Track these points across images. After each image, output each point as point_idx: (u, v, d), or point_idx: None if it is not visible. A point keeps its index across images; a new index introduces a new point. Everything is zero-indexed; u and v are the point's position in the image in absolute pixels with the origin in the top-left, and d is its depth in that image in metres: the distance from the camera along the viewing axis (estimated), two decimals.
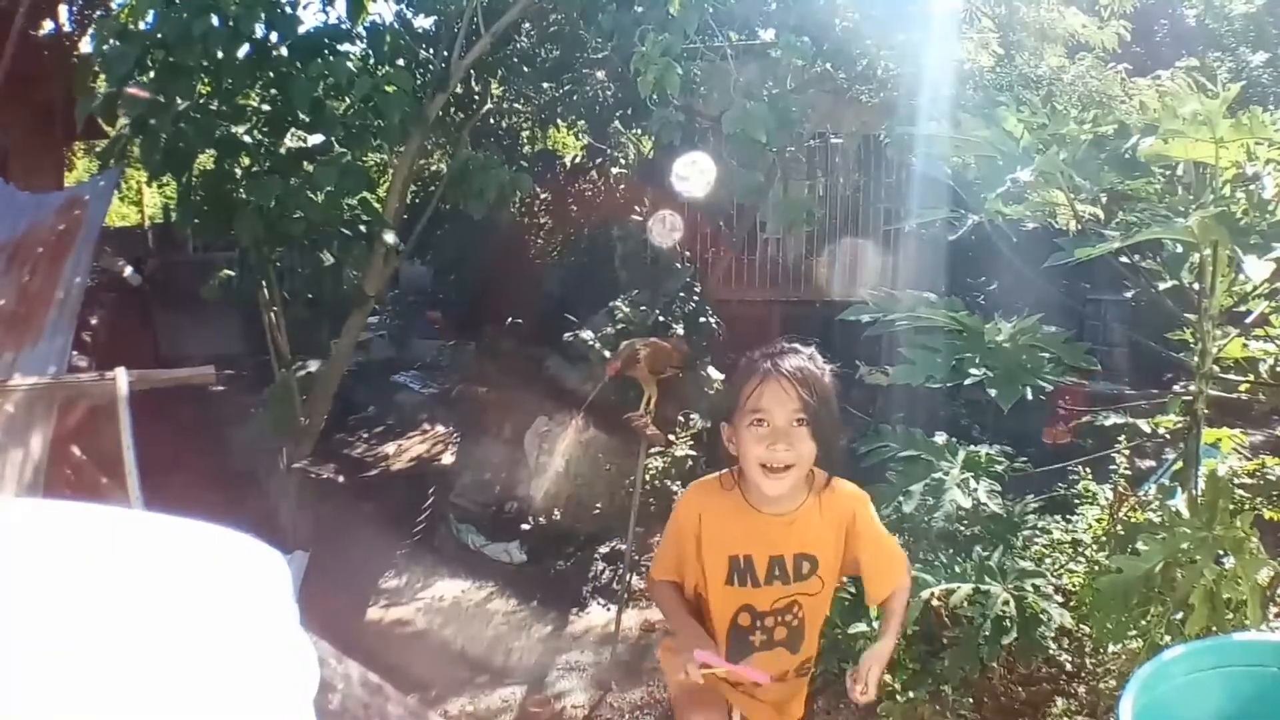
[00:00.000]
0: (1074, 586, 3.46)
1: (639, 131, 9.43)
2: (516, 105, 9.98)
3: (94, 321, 7.02)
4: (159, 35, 4.80)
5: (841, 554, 2.16)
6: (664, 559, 2.23)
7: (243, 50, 4.96)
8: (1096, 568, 3.33)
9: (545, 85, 9.39)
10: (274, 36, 5.04)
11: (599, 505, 5.94)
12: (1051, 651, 3.18)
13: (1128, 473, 4.01)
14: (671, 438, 5.82)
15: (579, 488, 6.02)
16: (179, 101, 4.84)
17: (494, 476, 6.36)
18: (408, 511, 6.51)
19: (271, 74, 5.12)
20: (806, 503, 2.12)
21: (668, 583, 2.21)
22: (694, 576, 2.17)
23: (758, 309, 9.03)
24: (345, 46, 5.39)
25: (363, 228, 5.45)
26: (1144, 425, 3.95)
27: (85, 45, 9.68)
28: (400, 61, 5.75)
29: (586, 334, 6.77)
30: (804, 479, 2.09)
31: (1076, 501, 4.06)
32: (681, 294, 7.50)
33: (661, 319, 7.03)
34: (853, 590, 3.38)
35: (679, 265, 7.92)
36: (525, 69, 8.94)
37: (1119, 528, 3.42)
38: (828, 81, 6.94)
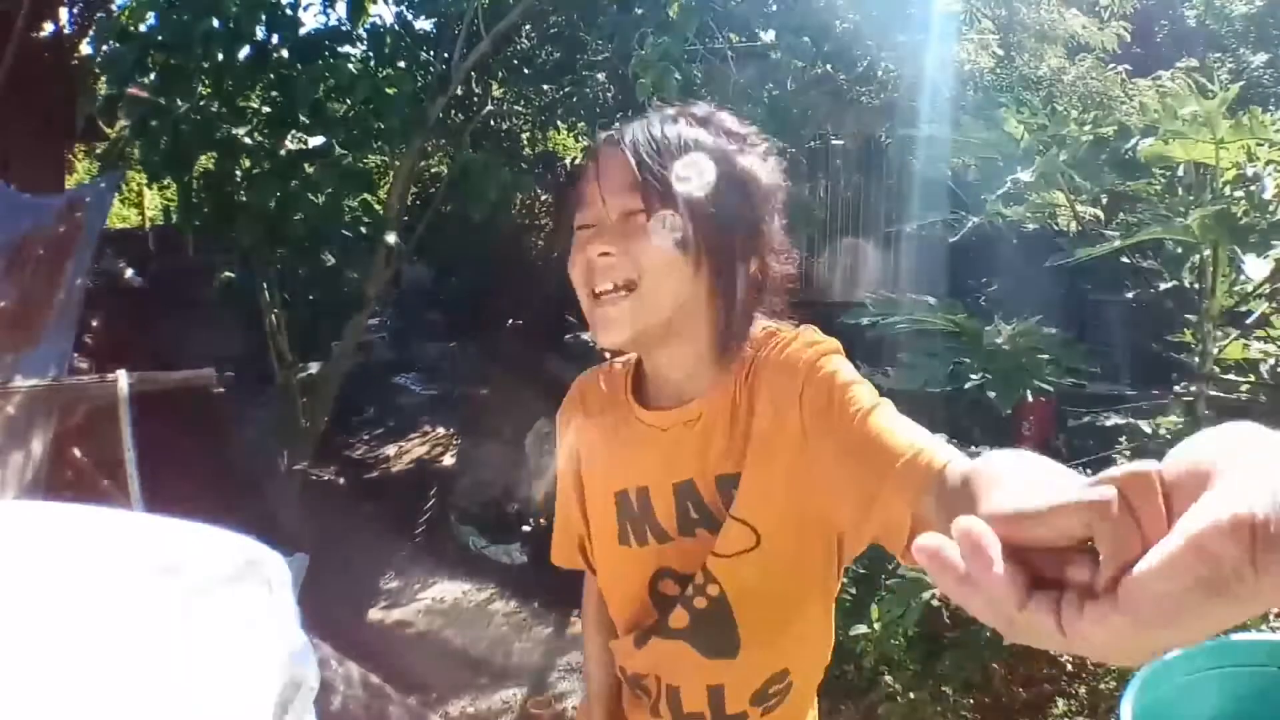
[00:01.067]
0: None
1: None
2: (517, 107, 9.99)
3: (95, 324, 7.02)
4: (159, 37, 4.82)
5: (799, 472, 1.12)
6: (557, 530, 1.46)
7: (243, 52, 4.97)
8: None
9: (545, 87, 9.39)
10: (275, 38, 5.05)
11: None
12: (1052, 652, 3.18)
13: None
14: None
15: None
16: (179, 103, 4.85)
17: (495, 478, 6.36)
18: (408, 513, 6.51)
19: (272, 76, 5.14)
20: (719, 384, 1.20)
21: (590, 586, 1.45)
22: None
23: None
24: (346, 48, 5.41)
25: (363, 229, 5.46)
26: (1145, 426, 3.95)
27: (85, 47, 9.69)
28: (401, 63, 5.78)
29: (587, 335, 6.78)
30: (707, 339, 1.19)
31: None
32: None
33: None
34: (853, 591, 3.37)
35: None
36: (525, 71, 8.94)
37: None
38: (828, 83, 6.94)
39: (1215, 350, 2.90)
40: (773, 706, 1.24)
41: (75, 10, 10.30)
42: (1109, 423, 4.25)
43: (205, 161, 5.57)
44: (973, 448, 3.32)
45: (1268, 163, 2.61)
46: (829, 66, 6.49)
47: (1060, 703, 3.26)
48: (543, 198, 10.41)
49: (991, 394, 2.63)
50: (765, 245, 1.23)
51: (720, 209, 1.15)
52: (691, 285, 1.16)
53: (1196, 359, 2.91)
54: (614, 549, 1.28)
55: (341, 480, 7.31)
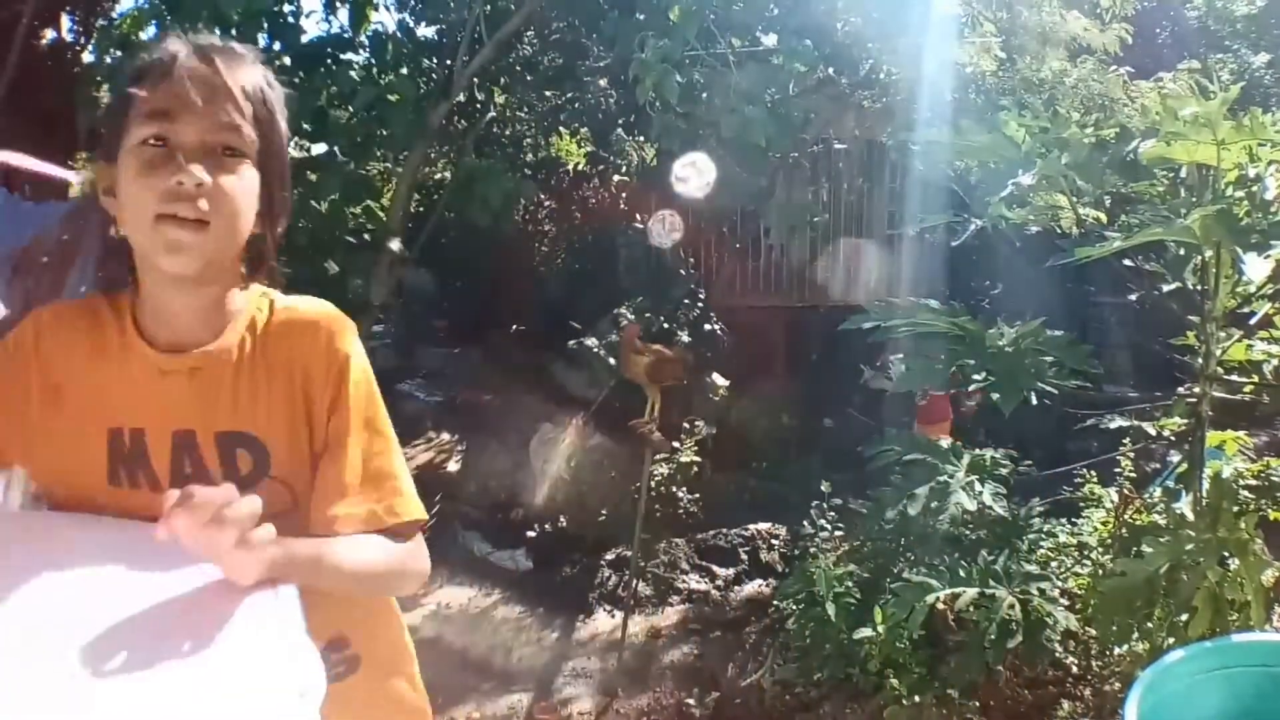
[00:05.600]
0: (1079, 589, 3.46)
1: (641, 138, 9.44)
2: (519, 113, 10.00)
3: None
4: None
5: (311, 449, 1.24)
6: None
7: None
8: (1101, 571, 3.33)
9: (548, 93, 9.41)
10: (276, 46, 5.06)
11: (604, 512, 5.94)
12: (1057, 655, 3.18)
13: (1133, 475, 4.01)
14: (676, 444, 5.82)
15: (584, 494, 6.02)
16: None
17: (499, 484, 6.36)
18: None
19: None
20: (225, 339, 1.22)
21: None
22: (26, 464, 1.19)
23: (761, 315, 9.00)
24: (348, 56, 5.41)
25: (367, 236, 5.46)
26: (1149, 428, 3.95)
27: (87, 56, 9.70)
28: (403, 70, 5.77)
29: (591, 341, 6.77)
30: (227, 291, 1.24)
31: (1082, 505, 4.05)
32: (685, 300, 7.49)
33: (666, 326, 7.03)
34: (857, 595, 3.37)
35: (682, 272, 7.91)
36: (528, 77, 8.95)
37: (1124, 530, 3.42)
38: (830, 87, 6.94)
39: (1218, 352, 2.90)
40: (342, 675, 1.26)
41: (76, 18, 10.30)
42: (1113, 425, 4.26)
43: None
44: (977, 450, 3.32)
45: (1269, 163, 2.62)
46: (831, 70, 6.51)
47: (1065, 705, 3.26)
48: (546, 203, 10.41)
49: (994, 395, 2.63)
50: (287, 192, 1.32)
51: (282, 155, 1.29)
52: (248, 229, 1.21)
53: (1200, 361, 2.91)
54: (102, 488, 1.19)
55: None
